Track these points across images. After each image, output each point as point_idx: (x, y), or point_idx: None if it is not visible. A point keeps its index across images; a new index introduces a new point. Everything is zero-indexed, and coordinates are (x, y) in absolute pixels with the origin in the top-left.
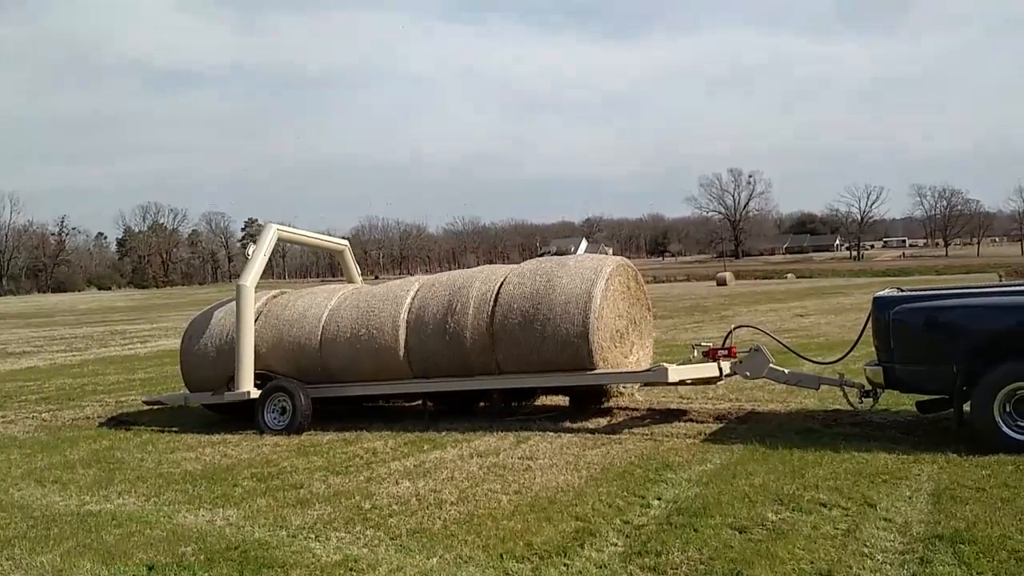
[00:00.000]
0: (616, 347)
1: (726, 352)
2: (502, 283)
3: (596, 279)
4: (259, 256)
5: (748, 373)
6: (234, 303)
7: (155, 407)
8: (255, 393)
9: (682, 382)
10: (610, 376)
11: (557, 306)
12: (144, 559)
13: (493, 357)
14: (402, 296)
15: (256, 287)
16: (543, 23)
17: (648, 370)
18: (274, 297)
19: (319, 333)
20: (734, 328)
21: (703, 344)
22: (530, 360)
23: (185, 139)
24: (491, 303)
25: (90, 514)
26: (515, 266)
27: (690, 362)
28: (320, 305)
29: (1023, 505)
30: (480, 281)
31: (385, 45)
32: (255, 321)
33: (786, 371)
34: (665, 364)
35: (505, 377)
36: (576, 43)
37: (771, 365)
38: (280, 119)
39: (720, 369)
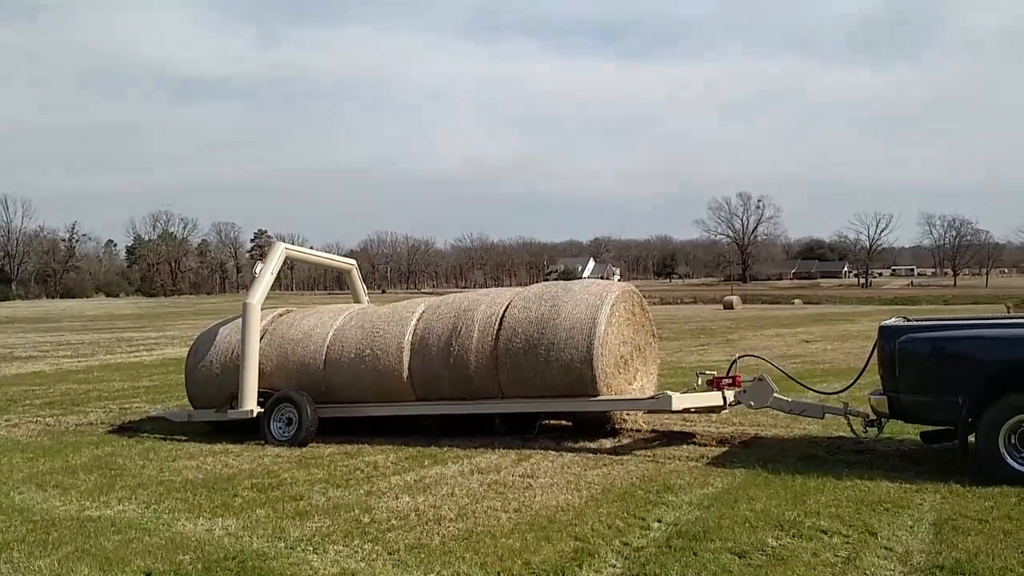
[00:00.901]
0: (620, 373)
1: (730, 381)
2: (507, 307)
3: (601, 305)
4: (266, 274)
5: (752, 403)
6: (239, 320)
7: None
8: (258, 411)
9: (686, 410)
10: (614, 403)
11: (561, 331)
12: (142, 566)
13: (496, 381)
14: (407, 318)
15: (263, 304)
16: (559, 41)
17: (652, 398)
18: (280, 315)
19: (324, 353)
20: (739, 356)
21: (707, 373)
22: (534, 385)
23: (198, 149)
24: (495, 327)
25: (90, 520)
26: (520, 289)
27: (694, 390)
28: (326, 325)
29: None
30: (485, 305)
31: (399, 60)
32: (260, 339)
33: (790, 400)
34: (669, 392)
35: (508, 402)
36: (590, 63)
37: (775, 394)
38: (293, 130)
39: (724, 398)
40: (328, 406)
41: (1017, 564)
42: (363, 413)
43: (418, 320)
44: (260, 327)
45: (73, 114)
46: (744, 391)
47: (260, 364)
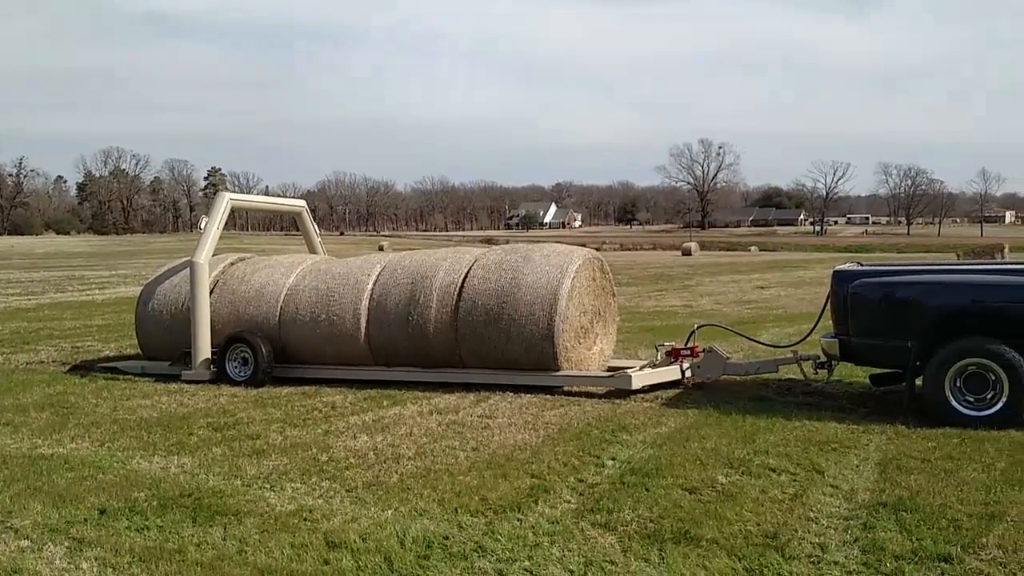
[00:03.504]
0: (580, 343)
1: (688, 352)
2: (466, 276)
3: (562, 279)
4: (212, 229)
5: (708, 376)
6: (188, 270)
7: (111, 358)
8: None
9: (644, 388)
10: (573, 379)
11: (522, 306)
12: (96, 503)
13: (456, 352)
14: (363, 281)
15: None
16: None
17: (612, 376)
18: (232, 264)
19: (277, 314)
20: (698, 327)
21: (666, 344)
22: (495, 358)
23: (153, 92)
24: (455, 297)
25: (42, 457)
26: (480, 253)
27: (653, 366)
28: (278, 283)
29: (965, 476)
30: (443, 272)
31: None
32: (211, 293)
33: (744, 363)
34: (629, 372)
35: (469, 372)
36: (558, 8)
37: (728, 362)
38: (266, 73)
39: (682, 371)
40: (282, 366)
41: (956, 501)
42: (319, 375)
43: (374, 284)
44: (211, 279)
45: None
46: (698, 366)
47: (212, 320)
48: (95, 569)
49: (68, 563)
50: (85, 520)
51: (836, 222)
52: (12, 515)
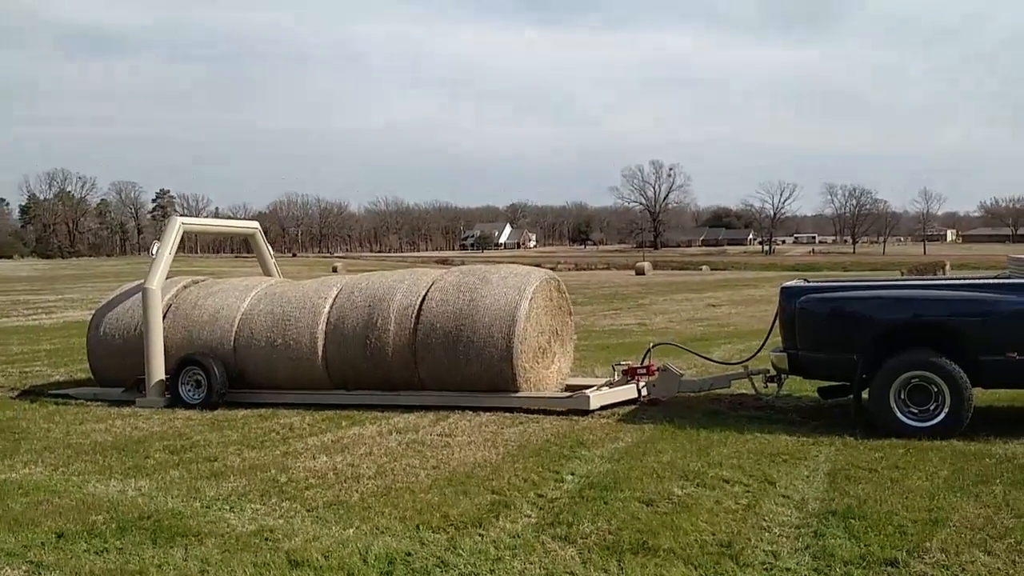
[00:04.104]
0: (539, 363)
1: (644, 371)
2: (424, 298)
3: (520, 300)
4: (164, 254)
5: (664, 394)
6: (139, 294)
7: (61, 383)
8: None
9: (603, 407)
10: (532, 400)
11: (480, 328)
12: (53, 527)
13: (415, 373)
14: (320, 304)
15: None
16: (480, 5)
17: (570, 397)
18: (185, 287)
19: (232, 339)
20: (653, 345)
21: (623, 363)
22: (454, 379)
23: (104, 107)
24: (413, 319)
25: None
26: (437, 275)
27: (611, 385)
28: (232, 308)
29: (910, 484)
30: (401, 294)
31: (324, 20)
32: (164, 317)
33: (697, 380)
34: (587, 392)
35: (428, 394)
36: (509, 29)
37: (682, 379)
38: (211, 89)
39: (639, 390)
40: (238, 392)
41: (902, 508)
42: (276, 400)
43: (331, 307)
44: (164, 302)
45: None
46: (654, 384)
47: (165, 346)
48: None
49: None
50: (43, 544)
51: (784, 241)
52: None
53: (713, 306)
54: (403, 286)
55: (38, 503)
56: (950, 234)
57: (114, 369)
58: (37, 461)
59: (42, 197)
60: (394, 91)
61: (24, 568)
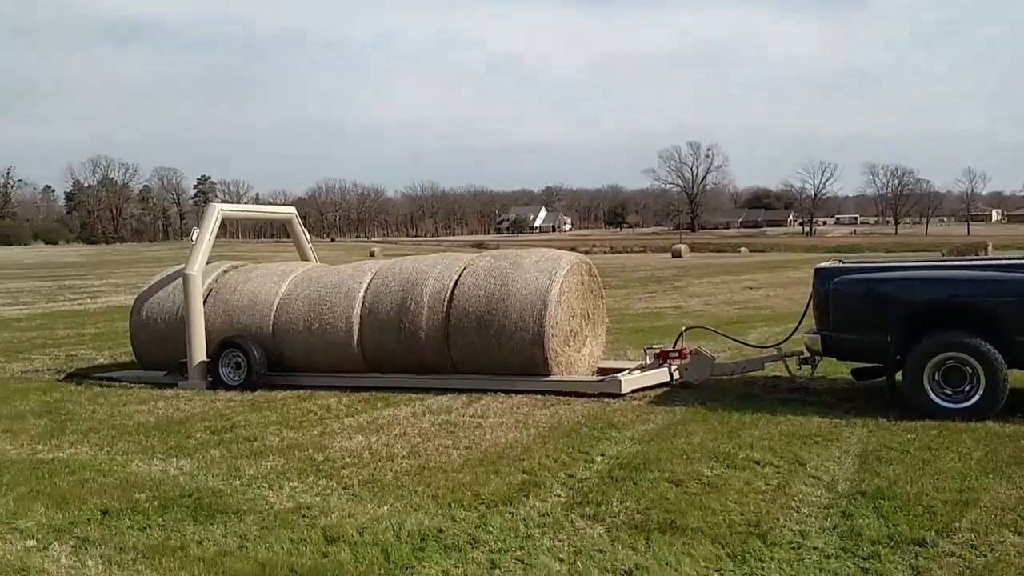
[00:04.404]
0: (570, 347)
1: (676, 354)
2: (456, 282)
3: (551, 284)
4: (204, 240)
5: (695, 378)
6: (180, 279)
7: (105, 366)
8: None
9: (634, 391)
10: (564, 384)
11: (512, 313)
12: (98, 504)
13: (448, 358)
14: (355, 289)
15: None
16: None
17: (602, 381)
18: (225, 272)
19: (271, 323)
20: (685, 329)
21: (655, 347)
22: (485, 363)
23: (143, 96)
24: (445, 304)
25: (42, 462)
26: (470, 259)
27: (643, 368)
28: (270, 292)
29: (942, 466)
30: (434, 278)
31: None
32: (205, 301)
33: (731, 363)
34: (619, 376)
35: (460, 377)
36: (546, 11)
37: (715, 362)
38: (242, 79)
39: (671, 374)
40: (277, 375)
41: (932, 489)
42: (313, 383)
43: (365, 292)
44: (204, 287)
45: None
46: (686, 368)
47: (206, 329)
48: (100, 566)
49: (74, 560)
50: (88, 521)
51: (825, 222)
52: (16, 517)
53: (751, 288)
54: (436, 271)
55: (84, 481)
56: (995, 214)
57: (156, 352)
58: (83, 441)
59: (86, 184)
60: (431, 77)
61: (71, 544)
